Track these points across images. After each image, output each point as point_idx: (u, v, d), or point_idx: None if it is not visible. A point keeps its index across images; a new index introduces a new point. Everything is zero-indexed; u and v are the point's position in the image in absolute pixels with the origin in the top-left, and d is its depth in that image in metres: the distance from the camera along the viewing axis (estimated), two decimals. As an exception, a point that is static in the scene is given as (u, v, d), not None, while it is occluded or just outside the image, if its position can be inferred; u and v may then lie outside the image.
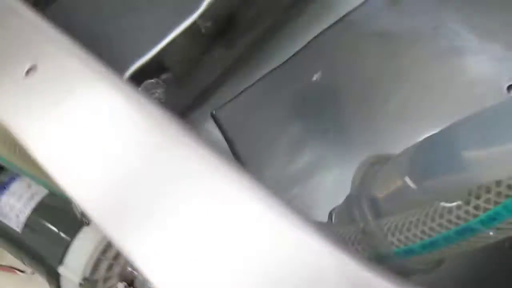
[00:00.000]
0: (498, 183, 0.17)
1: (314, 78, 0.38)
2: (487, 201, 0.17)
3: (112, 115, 0.17)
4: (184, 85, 0.41)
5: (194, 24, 0.34)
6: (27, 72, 0.18)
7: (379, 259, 0.21)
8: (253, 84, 0.37)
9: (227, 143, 0.35)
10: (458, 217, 0.18)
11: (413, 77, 0.36)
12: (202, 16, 0.34)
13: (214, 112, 0.36)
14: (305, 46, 0.39)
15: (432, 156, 0.18)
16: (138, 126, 0.16)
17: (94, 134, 0.17)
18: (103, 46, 0.37)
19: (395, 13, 0.39)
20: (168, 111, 0.17)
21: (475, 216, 0.18)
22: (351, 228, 0.22)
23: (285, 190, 0.34)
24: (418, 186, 0.19)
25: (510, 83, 0.33)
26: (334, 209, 0.26)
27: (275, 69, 0.38)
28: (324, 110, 0.37)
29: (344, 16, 0.39)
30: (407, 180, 0.19)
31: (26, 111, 0.17)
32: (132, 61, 0.35)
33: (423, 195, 0.19)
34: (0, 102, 0.17)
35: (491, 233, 0.18)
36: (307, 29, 0.43)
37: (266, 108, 0.37)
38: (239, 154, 0.35)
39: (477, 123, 0.18)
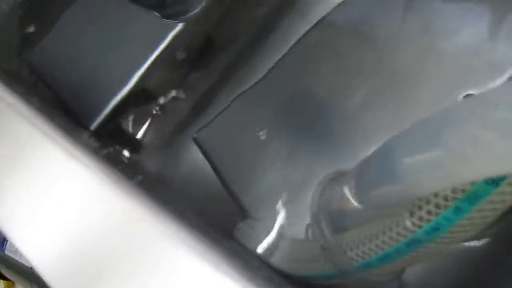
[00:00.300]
0: (436, 194, 0.17)
1: (295, 89, 0.38)
2: (428, 212, 0.18)
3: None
4: (168, 111, 0.42)
5: (164, 54, 0.35)
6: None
7: (342, 274, 0.21)
8: (231, 103, 0.38)
9: (211, 167, 0.36)
10: (406, 229, 0.19)
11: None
12: (170, 47, 0.35)
13: (195, 135, 0.37)
14: (281, 57, 0.40)
15: (372, 170, 0.19)
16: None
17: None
18: (84, 84, 0.38)
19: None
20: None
21: (419, 227, 0.18)
22: (314, 244, 0.22)
23: (274, 208, 0.34)
24: (363, 202, 0.19)
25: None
26: (308, 224, 0.27)
27: (253, 85, 0.38)
28: (311, 121, 0.37)
29: (323, 17, 0.39)
30: (351, 198, 0.19)
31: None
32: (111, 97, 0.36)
33: (370, 210, 0.19)
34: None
35: (436, 243, 0.18)
36: (286, 40, 0.43)
37: (248, 126, 0.38)
38: (224, 177, 0.35)
39: (411, 133, 0.18)
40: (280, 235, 0.28)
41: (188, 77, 0.43)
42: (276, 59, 0.42)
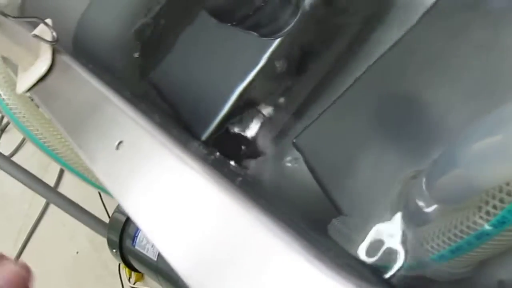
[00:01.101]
0: (500, 189, 0.18)
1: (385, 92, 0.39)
2: (494, 206, 0.19)
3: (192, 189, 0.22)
4: (270, 119, 0.46)
5: (264, 68, 0.39)
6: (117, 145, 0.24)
7: (420, 265, 0.23)
8: (327, 108, 0.40)
9: (309, 169, 0.39)
10: (475, 223, 0.20)
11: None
12: (269, 61, 0.39)
13: (294, 140, 0.40)
14: (373, 63, 0.41)
15: (440, 161, 0.20)
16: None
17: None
18: (195, 99, 0.44)
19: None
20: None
21: (487, 220, 0.19)
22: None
23: (365, 206, 0.35)
24: (433, 194, 0.21)
25: None
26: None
27: (346, 90, 0.40)
28: (401, 122, 0.38)
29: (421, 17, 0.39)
30: (425, 191, 0.21)
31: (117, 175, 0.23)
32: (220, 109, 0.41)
33: (440, 203, 0.21)
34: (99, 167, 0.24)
35: (504, 236, 0.19)
36: (379, 47, 0.45)
37: (343, 130, 0.40)
38: (320, 178, 0.38)
39: (478, 124, 0.19)
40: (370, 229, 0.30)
41: (288, 87, 0.47)
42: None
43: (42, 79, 0.37)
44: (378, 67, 0.41)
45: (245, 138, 0.44)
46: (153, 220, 0.22)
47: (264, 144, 0.45)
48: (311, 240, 0.24)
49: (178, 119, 0.42)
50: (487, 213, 0.19)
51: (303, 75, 0.46)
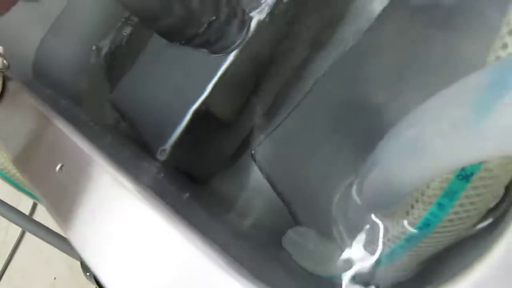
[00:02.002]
0: (422, 193, 0.19)
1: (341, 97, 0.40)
2: (418, 210, 0.19)
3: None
4: (231, 131, 0.46)
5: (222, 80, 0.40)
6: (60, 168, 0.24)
7: (365, 273, 0.23)
8: (284, 118, 0.41)
9: (268, 182, 0.39)
10: (404, 227, 0.20)
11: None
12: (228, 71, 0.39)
13: (252, 151, 0.41)
14: (327, 70, 0.41)
15: (367, 163, 0.21)
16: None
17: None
18: (153, 117, 0.44)
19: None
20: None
21: (414, 224, 0.20)
22: (334, 245, 0.24)
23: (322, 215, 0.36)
24: (361, 198, 0.21)
25: None
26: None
27: (302, 99, 0.41)
28: (359, 126, 0.38)
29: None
30: (355, 196, 0.21)
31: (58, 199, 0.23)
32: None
33: (368, 207, 0.21)
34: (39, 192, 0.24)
35: (433, 238, 0.19)
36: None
37: (300, 138, 0.40)
38: (280, 192, 0.38)
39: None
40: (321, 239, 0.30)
41: (246, 99, 0.47)
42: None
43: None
44: (330, 76, 0.42)
45: (207, 152, 0.44)
46: (89, 245, 0.22)
47: (225, 156, 0.45)
48: (256, 260, 0.24)
49: (137, 139, 0.42)
50: (413, 217, 0.20)
51: (260, 88, 0.46)
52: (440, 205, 0.18)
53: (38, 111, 0.30)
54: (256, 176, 0.44)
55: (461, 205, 0.18)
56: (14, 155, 0.28)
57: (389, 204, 0.20)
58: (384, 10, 0.38)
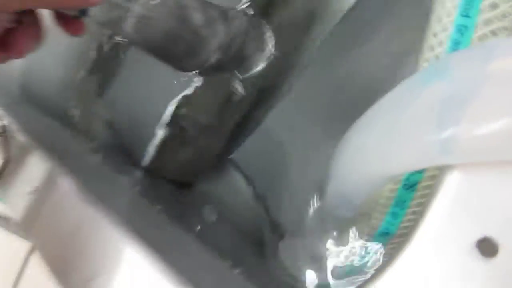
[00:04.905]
0: (379, 203, 0.19)
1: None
2: (375, 219, 0.19)
3: None
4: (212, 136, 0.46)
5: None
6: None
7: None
8: (262, 122, 0.41)
9: (247, 183, 0.39)
10: (367, 235, 0.20)
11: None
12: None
13: (231, 156, 0.41)
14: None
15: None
16: None
17: None
18: (131, 127, 0.44)
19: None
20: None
21: (372, 234, 0.20)
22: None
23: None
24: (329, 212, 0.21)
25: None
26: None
27: (279, 101, 0.41)
28: (340, 120, 0.38)
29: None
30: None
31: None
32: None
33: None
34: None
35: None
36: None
37: (278, 141, 0.40)
38: (260, 196, 0.38)
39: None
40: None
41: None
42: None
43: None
44: (304, 78, 0.41)
45: (188, 159, 0.44)
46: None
47: (207, 161, 0.45)
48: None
49: (123, 147, 0.43)
50: (372, 226, 0.20)
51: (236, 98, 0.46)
52: (394, 214, 0.18)
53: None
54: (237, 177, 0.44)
55: (413, 213, 0.18)
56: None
57: (346, 212, 0.20)
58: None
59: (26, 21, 0.22)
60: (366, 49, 0.35)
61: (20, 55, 0.23)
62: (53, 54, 0.55)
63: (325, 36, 0.38)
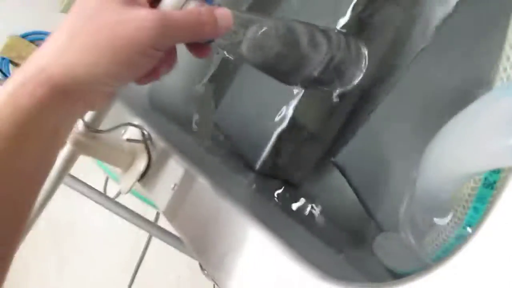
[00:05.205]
0: (463, 199, 0.23)
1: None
2: (461, 213, 0.23)
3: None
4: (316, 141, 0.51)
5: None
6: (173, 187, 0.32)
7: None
8: (364, 124, 0.44)
9: (349, 185, 0.43)
10: (452, 228, 0.24)
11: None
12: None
13: (333, 159, 0.45)
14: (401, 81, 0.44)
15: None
16: None
17: None
18: (247, 134, 0.50)
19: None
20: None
21: (459, 225, 0.23)
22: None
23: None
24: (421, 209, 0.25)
25: None
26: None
27: (380, 103, 0.44)
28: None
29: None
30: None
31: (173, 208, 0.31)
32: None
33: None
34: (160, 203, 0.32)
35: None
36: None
37: (379, 144, 0.43)
38: (362, 197, 0.42)
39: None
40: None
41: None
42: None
43: (142, 176, 0.40)
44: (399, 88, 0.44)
45: (296, 163, 0.49)
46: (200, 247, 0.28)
47: (311, 164, 0.49)
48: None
49: (236, 152, 0.49)
50: (458, 219, 0.23)
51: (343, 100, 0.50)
52: (475, 209, 0.22)
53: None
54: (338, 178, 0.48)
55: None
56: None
57: (434, 208, 0.24)
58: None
59: (166, 52, 0.27)
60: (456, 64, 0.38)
61: (158, 78, 0.29)
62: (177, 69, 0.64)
63: (416, 51, 0.41)
